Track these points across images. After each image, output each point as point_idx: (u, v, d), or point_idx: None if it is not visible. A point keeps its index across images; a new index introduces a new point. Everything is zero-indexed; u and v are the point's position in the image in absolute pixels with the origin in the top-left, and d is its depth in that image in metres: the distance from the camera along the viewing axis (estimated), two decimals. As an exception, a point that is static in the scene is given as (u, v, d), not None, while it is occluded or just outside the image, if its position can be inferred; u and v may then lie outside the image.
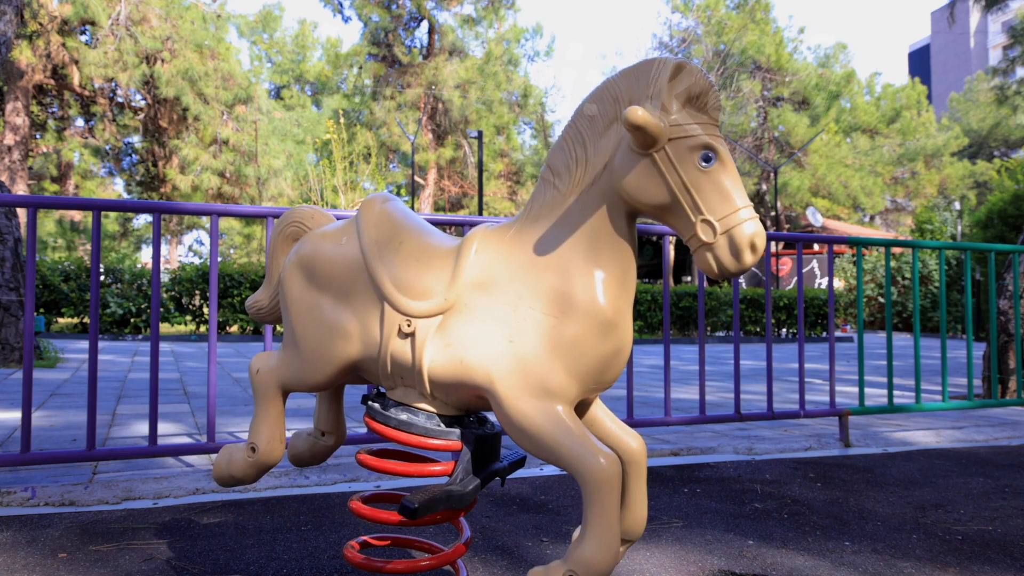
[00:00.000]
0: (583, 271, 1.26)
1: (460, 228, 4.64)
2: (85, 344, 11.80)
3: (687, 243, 1.22)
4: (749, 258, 1.18)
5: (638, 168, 1.21)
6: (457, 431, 1.36)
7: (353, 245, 1.43)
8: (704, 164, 1.18)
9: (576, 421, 1.24)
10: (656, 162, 1.19)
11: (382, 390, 1.47)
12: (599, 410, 1.40)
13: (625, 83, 1.25)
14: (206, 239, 45.26)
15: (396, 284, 1.36)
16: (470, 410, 1.39)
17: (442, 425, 1.36)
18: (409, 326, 1.32)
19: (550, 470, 3.03)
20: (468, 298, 1.31)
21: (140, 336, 13.94)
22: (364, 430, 3.17)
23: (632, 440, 1.36)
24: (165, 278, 14.99)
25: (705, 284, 4.15)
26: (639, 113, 1.13)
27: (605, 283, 1.26)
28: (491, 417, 1.46)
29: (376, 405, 1.40)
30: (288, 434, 1.69)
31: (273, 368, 1.53)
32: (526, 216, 1.34)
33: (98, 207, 2.71)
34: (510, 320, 1.27)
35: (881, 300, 24.71)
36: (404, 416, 1.36)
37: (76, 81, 22.60)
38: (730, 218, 1.17)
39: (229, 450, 1.58)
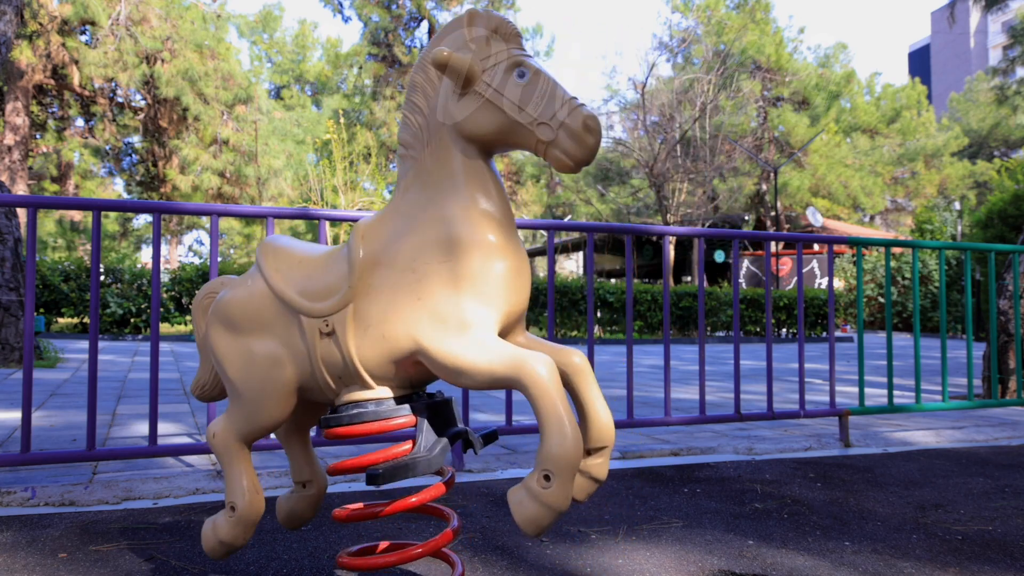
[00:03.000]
0: (457, 212, 1.35)
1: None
2: (85, 344, 11.80)
3: (536, 153, 1.31)
4: (590, 139, 1.27)
5: (468, 106, 1.33)
6: (407, 406, 1.41)
7: (258, 281, 1.51)
8: (520, 79, 1.30)
9: (500, 341, 1.28)
10: (481, 95, 1.31)
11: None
12: (532, 341, 1.45)
13: (432, 45, 1.38)
14: (206, 239, 45.27)
15: (303, 295, 1.43)
16: (416, 386, 1.45)
17: (393, 405, 1.41)
18: (327, 326, 1.38)
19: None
20: (370, 280, 1.37)
21: (140, 336, 13.94)
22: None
23: (574, 356, 1.38)
24: (165, 278, 15.00)
25: (705, 284, 4.16)
26: (442, 52, 1.28)
27: (481, 215, 1.35)
28: (440, 390, 1.53)
29: (329, 415, 1.44)
30: (275, 492, 1.72)
31: (226, 426, 1.57)
32: (397, 192, 1.44)
33: (98, 207, 2.71)
34: (412, 282, 1.34)
35: (881, 300, 24.71)
36: (355, 410, 1.40)
37: (76, 81, 22.60)
38: (559, 112, 1.27)
39: (210, 522, 1.59)
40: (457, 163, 1.36)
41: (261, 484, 2.71)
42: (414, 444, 1.38)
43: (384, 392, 1.40)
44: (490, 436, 1.48)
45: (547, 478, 1.19)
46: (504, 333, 1.40)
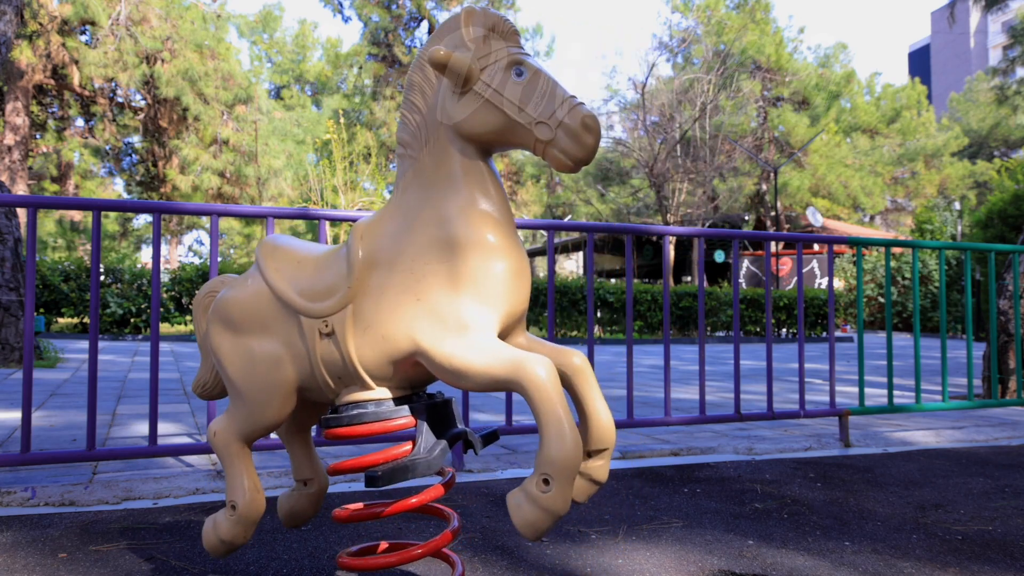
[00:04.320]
0: (455, 212, 1.34)
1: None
2: (85, 344, 11.80)
3: (535, 153, 1.30)
4: (589, 138, 1.26)
5: (466, 105, 1.32)
6: (406, 407, 1.41)
7: (258, 281, 1.52)
8: (518, 78, 1.29)
9: (500, 342, 1.28)
10: (479, 94, 1.30)
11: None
12: (533, 343, 1.44)
13: (430, 44, 1.37)
14: (206, 239, 45.26)
15: (303, 295, 1.43)
16: (415, 387, 1.45)
17: (392, 406, 1.40)
18: (326, 326, 1.38)
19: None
20: (369, 281, 1.37)
21: (140, 336, 13.94)
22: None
23: (574, 357, 1.37)
24: (165, 278, 14.99)
25: (705, 284, 4.16)
26: (440, 51, 1.27)
27: (480, 216, 1.34)
28: (440, 391, 1.52)
29: (329, 416, 1.44)
30: (275, 492, 1.72)
31: (227, 425, 1.57)
32: (396, 192, 1.43)
33: (98, 207, 2.71)
34: (411, 282, 1.33)
35: (881, 300, 24.71)
36: (355, 411, 1.40)
37: (76, 81, 22.59)
38: (558, 111, 1.26)
39: (211, 520, 1.60)
40: (456, 163, 1.36)
41: (262, 483, 2.72)
42: (414, 445, 1.38)
43: (384, 393, 1.40)
44: (490, 436, 1.48)
45: (546, 482, 1.19)
46: (504, 334, 1.39)
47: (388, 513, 1.46)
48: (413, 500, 1.45)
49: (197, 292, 1.77)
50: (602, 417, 1.35)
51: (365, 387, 1.39)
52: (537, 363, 1.21)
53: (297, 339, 1.43)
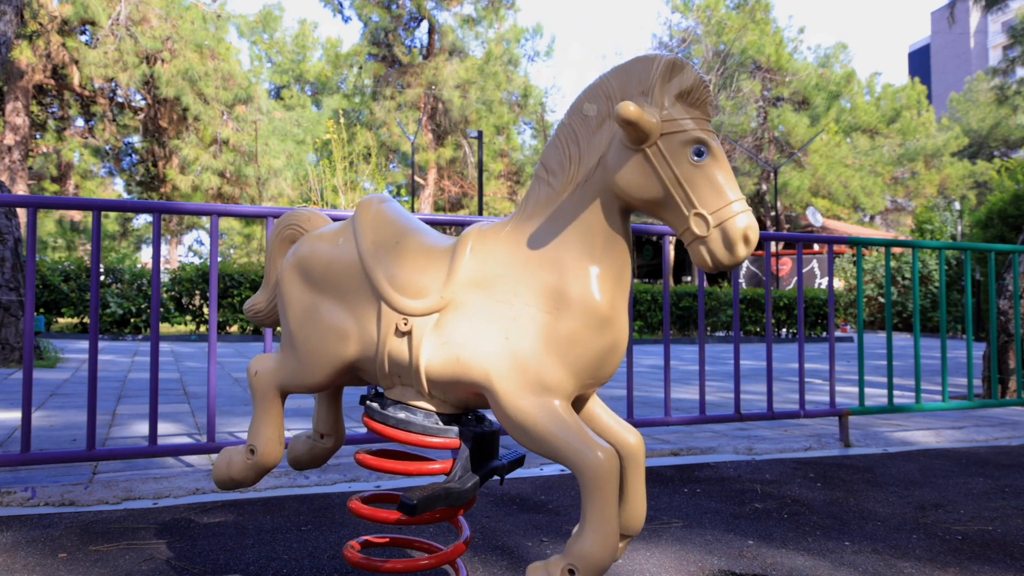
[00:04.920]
0: (578, 267, 1.26)
1: (460, 228, 4.65)
2: (85, 344, 11.80)
3: (681, 237, 1.22)
4: (743, 250, 1.18)
5: (631, 163, 1.22)
6: (455, 429, 1.36)
7: (350, 246, 1.44)
8: (696, 158, 1.19)
9: (573, 416, 1.24)
10: (649, 157, 1.20)
11: (380, 390, 1.47)
12: (596, 406, 1.40)
13: (617, 80, 1.26)
14: (206, 239, 45.26)
15: (392, 283, 1.36)
16: (468, 408, 1.40)
17: (440, 423, 1.36)
18: (406, 324, 1.32)
19: (550, 470, 3.04)
20: (464, 296, 1.31)
21: (140, 336, 13.94)
22: (363, 430, 3.17)
23: (630, 435, 1.36)
24: (165, 278, 14.99)
25: (705, 284, 4.16)
26: (631, 108, 1.14)
27: (600, 278, 1.27)
28: (489, 415, 1.45)
29: (375, 405, 1.40)
30: (288, 435, 1.70)
31: (271, 370, 1.53)
32: (521, 213, 1.34)
33: (98, 207, 2.71)
34: (506, 317, 1.27)
35: (881, 300, 24.71)
36: (403, 415, 1.36)
37: (76, 81, 22.60)
38: (723, 211, 1.18)
39: (228, 452, 1.58)
40: (596, 214, 1.26)
41: (263, 483, 2.72)
42: (450, 468, 1.34)
43: (433, 405, 1.37)
44: (516, 462, 1.44)
45: (572, 572, 1.19)
46: (579, 397, 1.36)
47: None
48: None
49: (278, 221, 1.69)
50: (638, 505, 1.36)
51: (421, 396, 1.36)
52: (605, 455, 1.19)
53: (371, 322, 1.37)
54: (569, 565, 1.19)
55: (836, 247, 16.82)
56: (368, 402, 1.43)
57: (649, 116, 1.17)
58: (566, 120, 1.32)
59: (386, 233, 1.43)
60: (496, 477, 1.43)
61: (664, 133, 1.19)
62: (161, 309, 12.77)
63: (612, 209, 1.27)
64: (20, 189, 20.72)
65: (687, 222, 1.20)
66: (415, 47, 34.16)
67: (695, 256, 1.21)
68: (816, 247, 25.69)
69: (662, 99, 1.21)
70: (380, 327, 1.36)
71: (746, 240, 1.18)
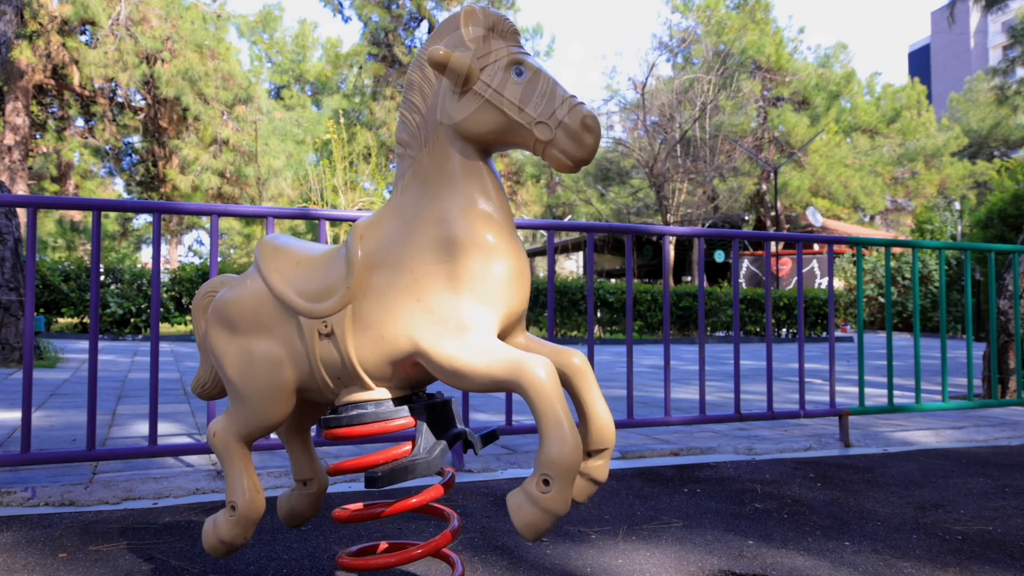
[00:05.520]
0: (455, 212, 1.34)
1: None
2: (85, 344, 11.80)
3: (534, 153, 1.29)
4: (589, 138, 1.26)
5: (466, 105, 1.32)
6: (406, 407, 1.41)
7: (257, 282, 1.51)
8: (518, 77, 1.29)
9: (500, 344, 1.28)
10: (479, 93, 1.30)
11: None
12: (532, 342, 1.44)
13: (430, 44, 1.36)
14: (206, 239, 45.26)
15: (302, 295, 1.43)
16: (415, 387, 1.45)
17: (392, 406, 1.40)
18: (326, 327, 1.37)
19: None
20: (367, 281, 1.37)
21: (140, 336, 13.94)
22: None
23: (573, 357, 1.37)
24: (165, 278, 14.99)
25: (705, 284, 4.16)
26: (440, 51, 1.27)
27: (479, 215, 1.34)
28: (442, 391, 1.50)
29: (329, 416, 1.44)
30: (275, 492, 1.71)
31: (226, 425, 1.57)
32: (395, 192, 1.43)
33: (98, 207, 2.71)
34: (410, 283, 1.33)
35: (881, 300, 24.71)
36: (354, 412, 1.40)
37: (76, 81, 22.59)
38: (558, 111, 1.26)
39: (211, 520, 1.59)
40: (455, 163, 1.35)
41: (262, 484, 2.72)
42: (414, 445, 1.38)
43: (383, 393, 1.40)
44: (490, 436, 1.47)
45: (546, 482, 1.19)
46: (504, 334, 1.39)
47: (388, 513, 1.46)
48: (413, 500, 1.45)
49: (196, 292, 1.76)
50: (602, 417, 1.35)
51: (364, 387, 1.39)
52: (537, 364, 1.21)
53: (296, 340, 1.43)
54: (542, 476, 1.19)
55: (836, 247, 16.82)
56: (322, 418, 1.46)
57: (459, 54, 1.28)
58: (403, 96, 1.43)
59: (285, 260, 1.50)
60: (471, 451, 1.46)
61: (483, 68, 1.30)
62: (161, 309, 12.76)
63: (469, 152, 1.35)
64: (20, 189, 20.72)
65: (532, 134, 1.28)
66: (415, 47, 34.16)
67: (551, 161, 1.29)
68: (816, 247, 25.69)
69: (469, 41, 1.32)
70: (305, 340, 1.41)
71: (587, 127, 1.25)
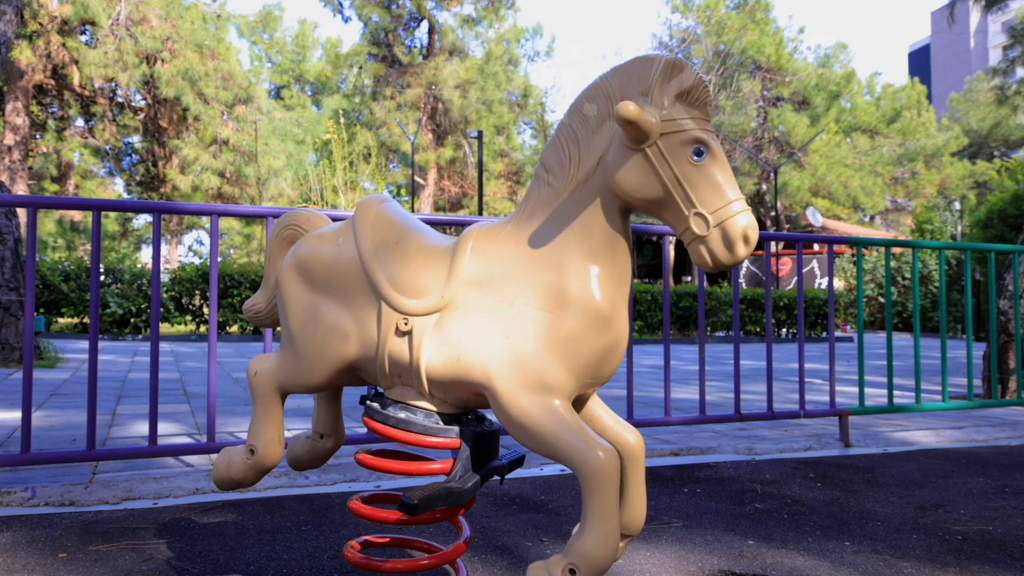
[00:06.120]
0: (578, 266, 1.27)
1: (460, 228, 4.64)
2: (85, 344, 11.80)
3: (681, 237, 1.23)
4: (742, 250, 1.19)
5: (631, 163, 1.22)
6: (456, 428, 1.36)
7: (350, 246, 1.43)
8: (696, 158, 1.20)
9: (574, 415, 1.24)
10: (648, 157, 1.21)
11: (380, 390, 1.47)
12: (596, 406, 1.41)
13: (617, 80, 1.26)
14: (206, 239, 45.26)
15: (392, 283, 1.36)
16: (468, 408, 1.40)
17: (440, 423, 1.36)
18: (406, 324, 1.32)
19: (550, 470, 3.04)
20: (464, 296, 1.32)
21: (140, 336, 13.94)
22: (363, 430, 3.17)
23: (630, 435, 1.36)
24: (165, 278, 14.99)
25: (705, 284, 4.15)
26: (631, 108, 1.15)
27: (600, 278, 1.27)
28: (490, 415, 1.46)
29: (375, 405, 1.40)
30: (288, 435, 1.70)
31: (271, 370, 1.53)
32: (521, 213, 1.34)
33: (98, 207, 2.71)
34: (506, 317, 1.28)
35: (881, 300, 24.71)
36: (403, 415, 1.36)
37: (76, 81, 22.60)
38: (723, 211, 1.18)
39: (228, 453, 1.58)
40: (596, 213, 1.27)
41: (263, 483, 2.72)
42: (451, 468, 1.34)
43: (434, 404, 1.37)
44: (516, 462, 1.44)
45: (572, 572, 1.19)
46: (580, 396, 1.36)
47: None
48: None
49: (276, 221, 1.69)
50: (638, 505, 1.35)
51: (421, 396, 1.36)
52: (605, 454, 1.19)
53: (372, 322, 1.38)
54: (570, 564, 1.19)
55: (836, 247, 16.82)
56: (368, 402, 1.42)
57: (648, 116, 1.18)
58: (566, 120, 1.32)
59: (386, 233, 1.43)
60: (496, 477, 1.42)
61: (664, 133, 1.20)
62: (161, 309, 12.76)
63: (612, 209, 1.27)
64: (20, 189, 20.72)
65: (687, 222, 1.20)
66: (415, 47, 34.16)
67: (695, 256, 1.22)
68: (816, 247, 25.69)
69: (661, 99, 1.21)
70: (380, 327, 1.35)
71: (746, 239, 1.18)
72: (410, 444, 1.37)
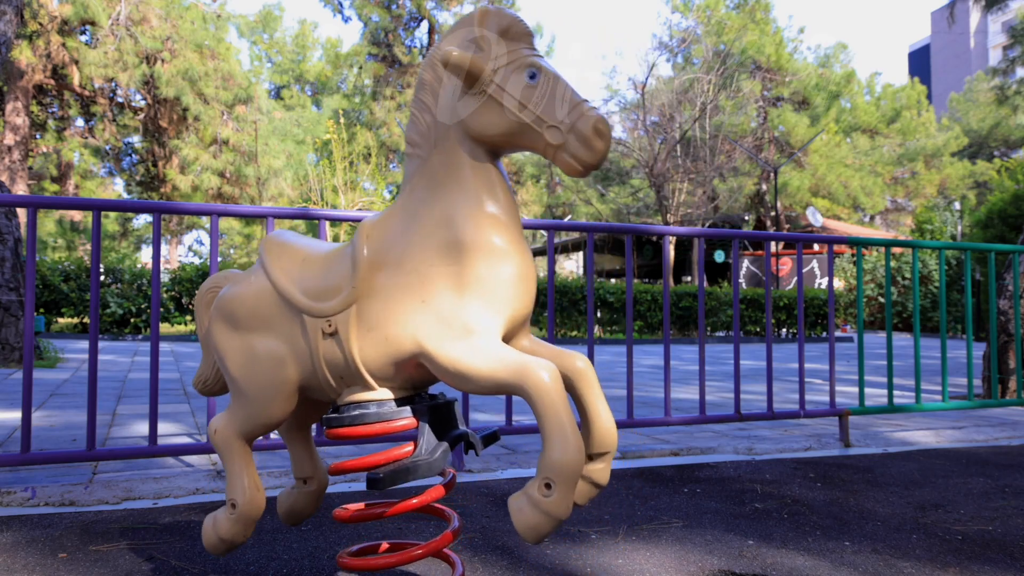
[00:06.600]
0: (463, 214, 1.33)
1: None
2: (85, 344, 11.80)
3: (544, 156, 1.30)
4: (599, 144, 1.26)
5: (480, 108, 1.31)
6: (408, 408, 1.41)
7: (262, 279, 1.51)
8: (531, 80, 1.29)
9: (507, 348, 1.28)
10: (491, 96, 1.30)
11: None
12: (536, 345, 1.44)
13: (445, 43, 1.36)
14: (206, 239, 45.26)
15: (306, 294, 1.42)
16: (418, 388, 1.45)
17: (394, 407, 1.40)
18: (330, 326, 1.37)
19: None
20: (373, 281, 1.37)
21: (140, 336, 13.94)
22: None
23: (577, 360, 1.37)
24: (165, 278, 14.99)
25: (705, 284, 4.16)
26: (454, 53, 1.26)
27: (486, 217, 1.34)
28: (444, 390, 1.48)
29: (331, 416, 1.44)
30: (275, 492, 1.70)
31: (229, 422, 1.56)
32: (403, 192, 1.42)
33: (98, 207, 2.71)
34: (416, 285, 1.33)
35: (881, 300, 24.71)
36: (356, 412, 1.40)
37: (76, 81, 22.59)
38: (570, 116, 1.26)
39: (211, 518, 1.59)
40: (464, 164, 1.35)
41: (262, 483, 2.72)
42: (415, 446, 1.38)
43: (386, 393, 1.40)
44: (491, 437, 1.47)
45: (548, 486, 1.19)
46: (508, 337, 1.39)
47: (389, 514, 1.47)
48: (414, 501, 1.45)
49: (199, 288, 1.76)
50: (604, 421, 1.35)
51: (367, 387, 1.39)
52: (541, 368, 1.21)
53: (300, 338, 1.43)
54: (544, 479, 1.20)
55: (836, 247, 16.82)
56: (324, 417, 1.46)
57: (472, 55, 1.28)
58: (414, 95, 1.42)
59: (290, 257, 1.50)
60: (472, 452, 1.46)
61: (495, 69, 1.29)
62: (161, 309, 12.76)
63: (480, 154, 1.35)
64: (20, 189, 20.72)
65: (543, 138, 1.28)
66: (415, 47, 34.16)
67: (562, 165, 1.29)
68: (816, 247, 25.69)
69: (487, 43, 1.31)
70: (308, 338, 1.41)
71: (598, 132, 1.25)
72: (371, 435, 1.40)
